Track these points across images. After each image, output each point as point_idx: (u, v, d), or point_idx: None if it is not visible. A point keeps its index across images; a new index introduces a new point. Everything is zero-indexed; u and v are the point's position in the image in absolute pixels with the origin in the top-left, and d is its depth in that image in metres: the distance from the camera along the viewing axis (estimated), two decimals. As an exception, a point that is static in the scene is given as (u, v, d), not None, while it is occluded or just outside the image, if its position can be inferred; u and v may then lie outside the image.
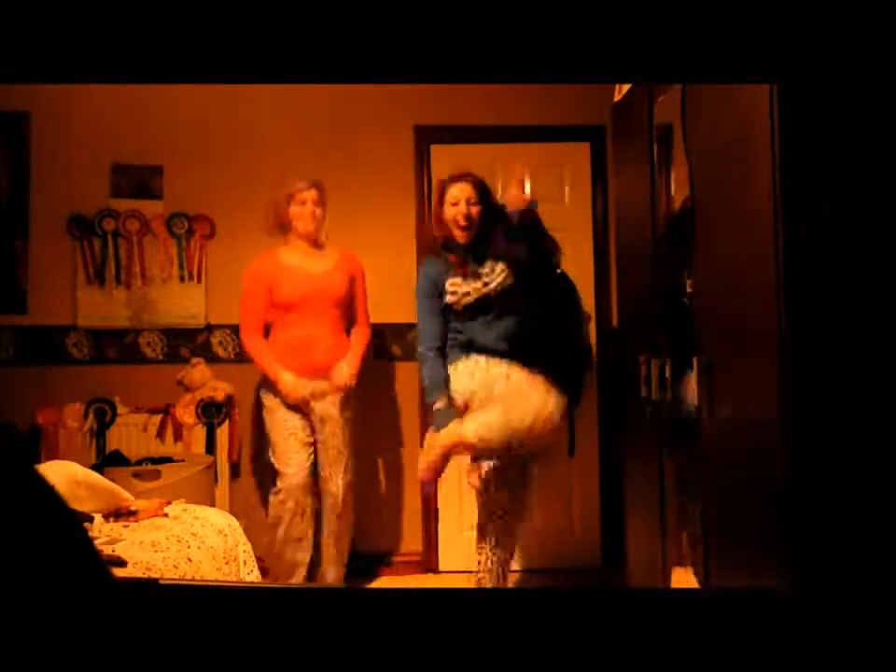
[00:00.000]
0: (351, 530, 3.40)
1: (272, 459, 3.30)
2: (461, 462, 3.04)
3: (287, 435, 3.23)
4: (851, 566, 1.51)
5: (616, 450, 3.81)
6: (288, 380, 3.18)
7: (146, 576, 2.07)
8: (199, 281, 3.92)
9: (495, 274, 2.91)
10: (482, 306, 2.91)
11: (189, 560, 2.30)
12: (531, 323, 2.95)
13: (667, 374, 2.46)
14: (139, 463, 3.52)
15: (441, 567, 3.95)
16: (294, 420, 3.24)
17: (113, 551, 2.22)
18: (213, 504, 3.40)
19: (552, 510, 3.97)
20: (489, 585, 3.02)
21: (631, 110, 2.78)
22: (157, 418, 3.79)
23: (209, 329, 3.93)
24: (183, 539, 2.40)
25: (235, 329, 3.89)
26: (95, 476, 2.66)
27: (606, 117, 3.38)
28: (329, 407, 3.26)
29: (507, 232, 2.95)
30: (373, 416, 3.86)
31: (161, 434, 3.78)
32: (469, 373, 2.88)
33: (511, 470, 2.96)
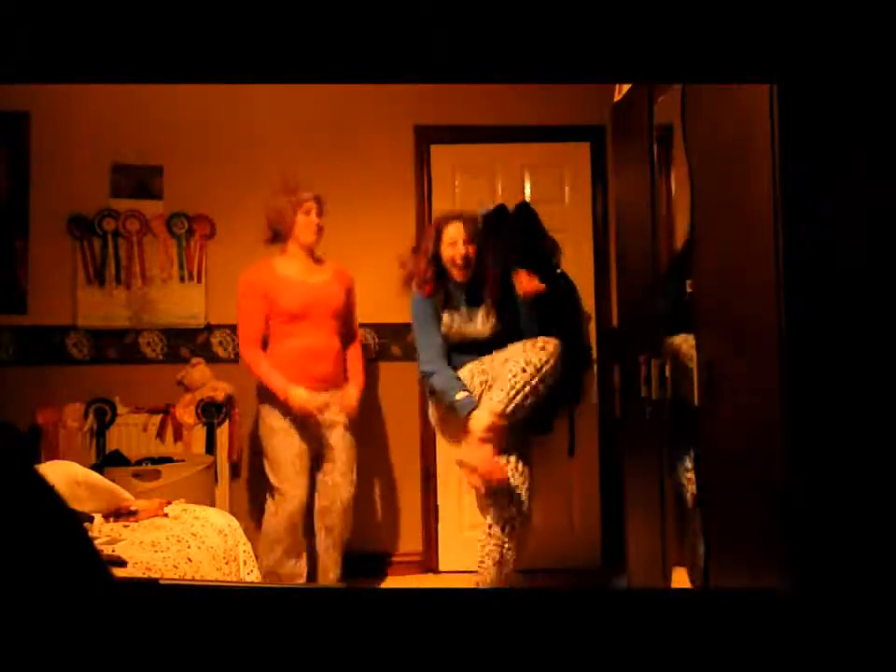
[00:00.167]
0: (348, 534, 3.38)
1: (271, 478, 3.20)
2: (458, 460, 3.03)
3: (292, 459, 3.14)
4: (851, 566, 1.51)
5: (616, 450, 3.81)
6: (301, 395, 3.09)
7: (146, 576, 2.07)
8: (199, 281, 3.93)
9: (486, 323, 3.03)
10: (473, 343, 3.02)
11: (189, 560, 2.30)
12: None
13: (667, 374, 2.46)
14: (139, 463, 3.51)
15: (441, 567, 3.96)
16: (300, 443, 3.16)
17: (113, 551, 2.22)
18: (213, 504, 3.40)
19: (552, 510, 3.97)
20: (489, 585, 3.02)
21: (631, 110, 2.78)
22: (157, 418, 3.79)
23: (209, 329, 3.93)
24: (183, 539, 2.40)
25: (235, 329, 3.88)
26: (95, 476, 2.66)
27: (606, 117, 3.38)
28: (334, 418, 3.22)
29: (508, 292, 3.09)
30: (373, 416, 3.86)
31: (160, 434, 3.78)
32: (469, 374, 2.98)
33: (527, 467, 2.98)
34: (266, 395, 3.17)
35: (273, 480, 3.19)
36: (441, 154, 4.00)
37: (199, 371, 3.84)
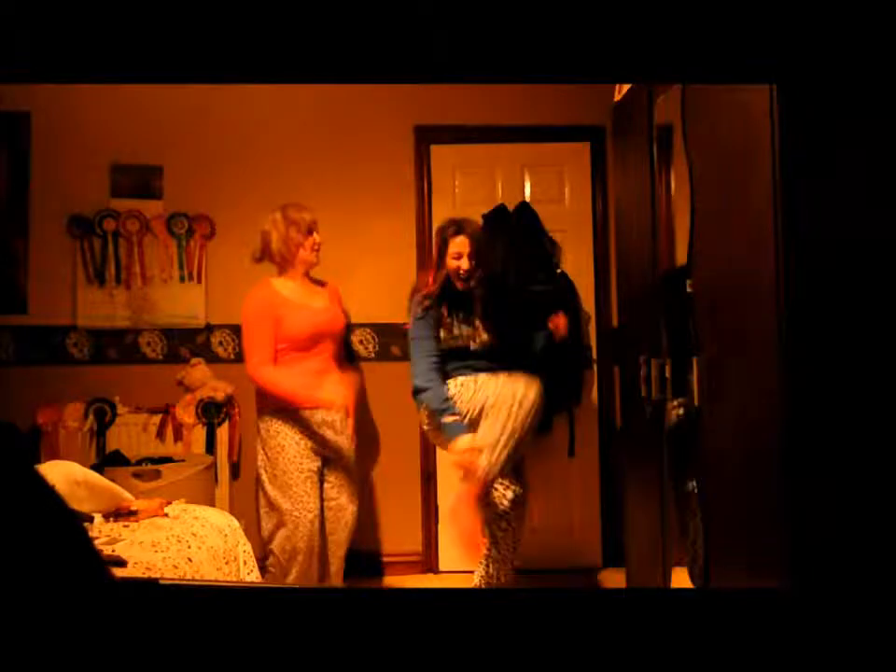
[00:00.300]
0: (350, 543, 3.35)
1: (275, 496, 3.02)
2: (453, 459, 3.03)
3: (303, 478, 3.02)
4: (851, 565, 1.51)
5: (616, 450, 3.81)
6: (327, 396, 3.02)
7: (146, 576, 2.07)
8: (199, 281, 3.93)
9: (477, 335, 3.04)
10: (472, 351, 3.03)
11: (189, 560, 2.30)
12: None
13: (667, 374, 2.46)
14: (139, 463, 3.52)
15: (441, 567, 3.96)
16: (309, 462, 3.04)
17: (113, 551, 2.22)
18: (213, 504, 3.40)
19: (552, 510, 3.98)
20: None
21: (631, 110, 2.78)
22: (157, 418, 3.79)
23: (209, 329, 3.93)
24: (183, 539, 2.40)
25: (235, 329, 3.89)
26: (95, 476, 2.66)
27: (606, 117, 3.39)
28: (338, 438, 3.16)
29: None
30: (373, 416, 3.87)
31: (160, 434, 3.78)
32: (463, 387, 2.99)
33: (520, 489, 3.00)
34: (274, 412, 3.04)
35: (278, 498, 3.01)
36: (440, 154, 4.00)
37: (199, 371, 3.84)
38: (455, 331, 3.05)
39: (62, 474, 2.48)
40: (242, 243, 3.73)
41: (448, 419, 2.92)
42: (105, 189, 3.90)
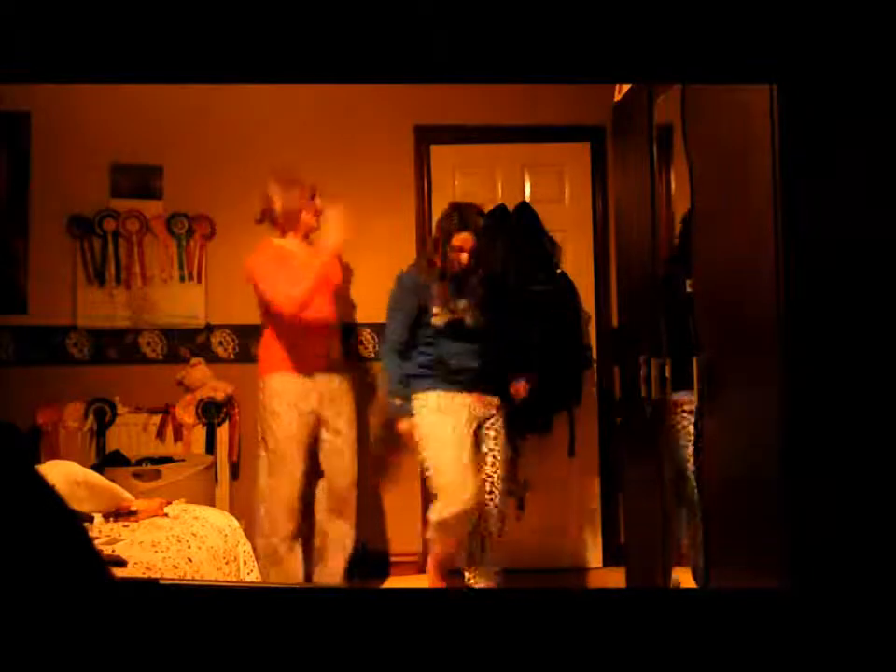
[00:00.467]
0: (354, 531, 3.38)
1: (268, 464, 3.21)
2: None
3: (294, 442, 3.17)
4: (851, 565, 1.51)
5: (616, 450, 3.81)
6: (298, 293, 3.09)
7: (146, 576, 2.07)
8: (199, 281, 3.92)
9: (468, 310, 3.10)
10: (455, 329, 3.08)
11: (189, 560, 2.29)
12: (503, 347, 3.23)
13: (667, 374, 2.46)
14: (139, 463, 3.51)
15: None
16: (300, 427, 3.19)
17: (113, 551, 2.22)
18: (213, 504, 3.40)
19: (552, 510, 3.98)
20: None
21: (631, 110, 2.78)
22: (157, 418, 3.79)
23: (209, 328, 3.93)
24: (183, 539, 2.40)
25: (235, 329, 3.89)
26: (95, 476, 2.66)
27: (606, 117, 3.38)
28: (335, 405, 3.26)
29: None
30: (373, 415, 3.86)
31: (160, 434, 3.78)
32: (424, 416, 3.07)
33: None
34: (274, 374, 3.19)
35: (271, 464, 3.20)
36: (441, 154, 4.00)
37: (199, 371, 3.84)
38: (451, 305, 3.08)
39: (62, 474, 2.48)
40: (242, 243, 3.74)
41: (396, 401, 3.11)
42: (105, 189, 3.89)
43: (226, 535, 2.61)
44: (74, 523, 0.65)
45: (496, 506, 3.08)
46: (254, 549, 2.79)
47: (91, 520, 2.50)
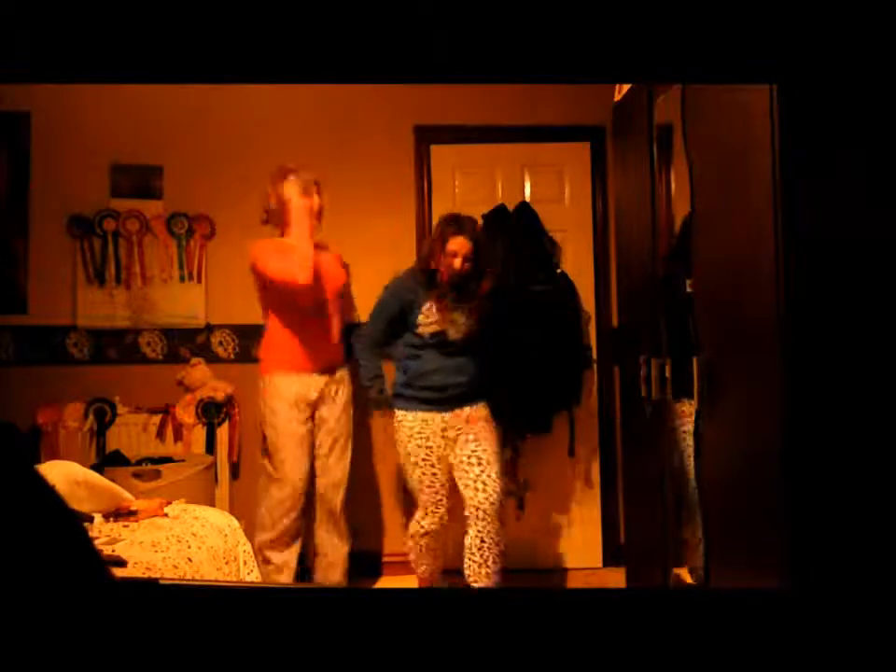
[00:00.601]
0: (348, 545, 3.38)
1: (270, 460, 3.23)
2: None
3: (294, 441, 3.18)
4: (851, 565, 1.51)
5: (616, 450, 3.81)
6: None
7: (146, 576, 2.07)
8: (199, 281, 3.93)
9: (459, 324, 3.09)
10: (441, 341, 3.09)
11: (189, 560, 2.30)
12: (488, 364, 3.24)
13: (667, 374, 2.46)
14: (139, 463, 3.51)
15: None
16: (299, 426, 3.19)
17: (113, 551, 2.22)
18: (213, 504, 3.40)
19: (552, 510, 3.98)
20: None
21: (631, 110, 2.78)
22: (157, 418, 3.79)
23: (209, 328, 3.93)
24: (183, 539, 2.40)
25: (235, 329, 3.90)
26: (95, 476, 2.66)
27: (606, 117, 3.38)
28: (336, 399, 3.26)
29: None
30: (371, 416, 3.86)
31: (160, 434, 3.78)
32: (401, 436, 3.14)
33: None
34: (274, 373, 3.20)
35: (271, 464, 3.21)
36: (441, 154, 4.00)
37: (199, 371, 3.84)
38: (433, 319, 3.08)
39: (62, 474, 2.48)
40: (242, 243, 3.74)
41: (371, 394, 3.21)
42: (105, 189, 3.89)
43: (226, 535, 2.61)
44: (74, 523, 0.65)
45: (491, 504, 3.04)
46: (252, 546, 2.80)
47: (91, 520, 2.50)
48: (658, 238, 2.60)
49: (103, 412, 3.76)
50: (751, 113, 1.70)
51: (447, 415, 3.10)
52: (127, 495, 2.70)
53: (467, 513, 3.07)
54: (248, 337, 3.81)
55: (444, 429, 3.10)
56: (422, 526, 3.13)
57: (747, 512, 1.87)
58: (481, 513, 3.04)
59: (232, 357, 3.90)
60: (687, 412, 2.56)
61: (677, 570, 2.71)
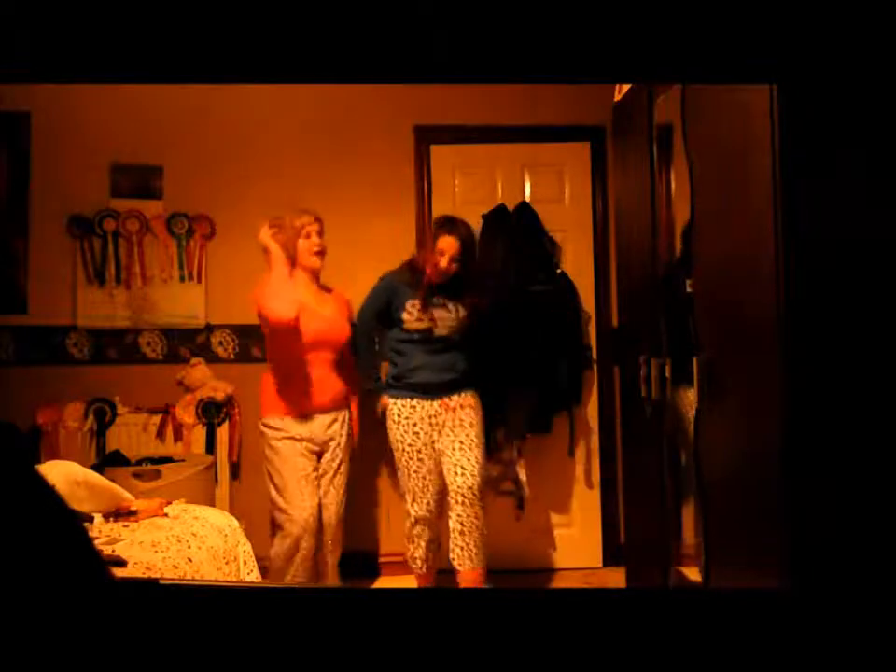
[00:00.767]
0: (341, 547, 3.35)
1: (277, 500, 3.09)
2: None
3: (298, 477, 3.07)
4: (851, 565, 1.51)
5: (616, 450, 3.81)
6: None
7: (146, 576, 2.07)
8: (199, 281, 3.93)
9: (444, 322, 3.19)
10: (427, 338, 3.18)
11: (189, 560, 2.30)
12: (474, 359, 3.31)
13: (667, 374, 2.46)
14: (139, 463, 3.51)
15: (441, 566, 3.95)
16: (303, 461, 3.10)
17: (113, 551, 2.22)
18: (213, 504, 3.40)
19: (552, 510, 3.98)
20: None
21: (631, 110, 2.78)
22: (157, 418, 3.79)
23: (209, 328, 3.93)
24: (183, 539, 2.40)
25: (235, 329, 3.90)
26: (95, 476, 2.66)
27: (606, 117, 3.38)
28: (336, 436, 3.19)
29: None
30: (371, 416, 3.86)
31: (160, 434, 3.78)
32: (390, 424, 3.25)
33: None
34: (273, 413, 3.12)
35: (279, 502, 3.08)
36: (441, 154, 4.00)
37: (199, 371, 3.84)
38: (417, 316, 3.17)
39: (62, 474, 2.48)
40: (242, 243, 3.74)
41: (368, 385, 3.35)
42: (105, 189, 3.89)
43: (226, 535, 2.61)
44: (74, 523, 0.65)
45: (469, 488, 3.09)
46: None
47: (91, 520, 2.50)
48: (658, 238, 2.60)
49: (103, 412, 3.76)
50: (751, 113, 1.70)
51: (435, 403, 3.19)
52: (127, 495, 2.70)
53: (448, 498, 3.16)
54: (248, 337, 3.81)
55: (431, 416, 3.19)
56: (412, 514, 3.21)
57: (747, 512, 1.87)
58: (459, 497, 3.10)
59: (232, 357, 3.90)
60: (693, 400, 2.56)
61: (686, 570, 2.70)
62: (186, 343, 3.91)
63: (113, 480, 2.79)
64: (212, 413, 3.80)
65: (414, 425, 3.19)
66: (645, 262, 2.66)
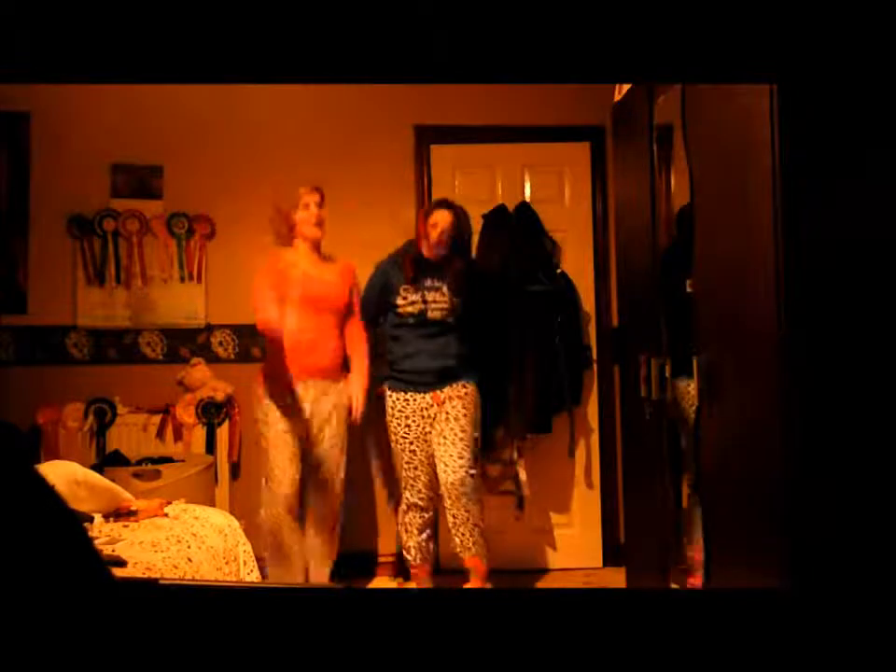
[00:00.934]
0: (335, 549, 3.36)
1: (266, 466, 3.19)
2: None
3: (285, 455, 3.14)
4: (851, 565, 1.51)
5: (616, 450, 3.81)
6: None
7: (146, 576, 2.07)
8: (199, 281, 3.92)
9: (440, 302, 3.25)
10: (421, 321, 3.24)
11: (189, 560, 2.30)
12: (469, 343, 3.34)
13: (667, 374, 2.46)
14: (139, 463, 3.51)
15: (441, 566, 3.95)
16: (289, 437, 3.15)
17: (113, 551, 2.22)
18: (213, 504, 3.40)
19: (552, 510, 3.98)
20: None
21: (631, 110, 2.78)
22: (157, 418, 3.79)
23: (209, 328, 3.93)
24: (183, 539, 2.40)
25: (235, 329, 3.89)
26: (95, 476, 2.66)
27: (606, 117, 3.38)
28: (330, 410, 3.23)
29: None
30: (370, 415, 3.86)
31: (160, 434, 3.78)
32: (390, 413, 3.32)
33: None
34: (269, 391, 3.18)
35: (267, 473, 3.19)
36: (441, 154, 4.00)
37: (199, 371, 3.84)
38: (410, 298, 3.24)
39: (62, 474, 2.48)
40: (242, 243, 3.75)
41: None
42: (105, 189, 3.89)
43: (226, 535, 2.61)
44: (74, 523, 0.65)
45: (453, 482, 3.13)
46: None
47: (91, 520, 2.50)
48: (658, 238, 2.60)
49: (103, 412, 3.76)
50: (751, 113, 1.70)
51: (427, 395, 3.24)
52: (127, 495, 2.70)
53: (440, 491, 3.23)
54: (248, 337, 3.81)
55: (423, 409, 3.25)
56: (404, 500, 3.30)
57: (747, 512, 1.87)
58: (446, 490, 3.17)
59: (232, 357, 3.90)
60: (693, 391, 2.55)
61: (685, 570, 2.70)
62: (186, 343, 3.91)
63: (113, 480, 2.79)
64: (212, 413, 3.80)
65: (407, 418, 3.26)
66: (645, 262, 2.66)
